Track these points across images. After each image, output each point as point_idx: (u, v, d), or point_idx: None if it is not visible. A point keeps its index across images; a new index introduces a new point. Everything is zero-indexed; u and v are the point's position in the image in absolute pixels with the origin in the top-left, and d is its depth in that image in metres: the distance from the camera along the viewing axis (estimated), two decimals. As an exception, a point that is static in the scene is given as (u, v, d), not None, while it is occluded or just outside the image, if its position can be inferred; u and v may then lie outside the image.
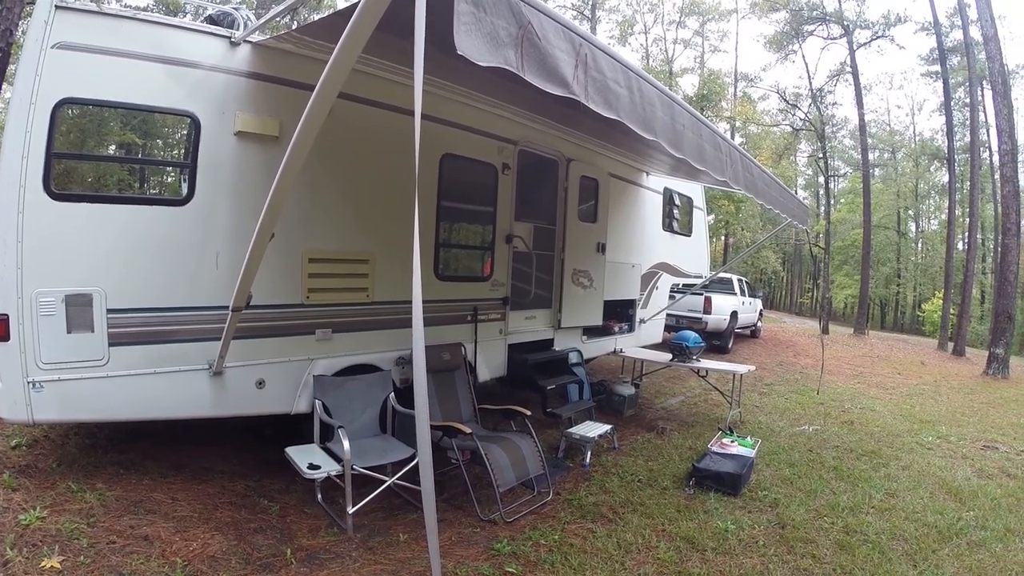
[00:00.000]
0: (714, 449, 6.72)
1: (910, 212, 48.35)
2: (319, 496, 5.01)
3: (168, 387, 4.71)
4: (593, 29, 35.75)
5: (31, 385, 4.27)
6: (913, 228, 49.92)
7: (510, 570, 4.17)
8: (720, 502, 5.62)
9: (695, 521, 5.18)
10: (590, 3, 35.61)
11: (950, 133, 27.59)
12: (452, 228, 6.82)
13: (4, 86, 4.81)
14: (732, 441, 7.02)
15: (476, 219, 7.12)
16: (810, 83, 32.75)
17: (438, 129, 6.18)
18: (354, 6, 2.49)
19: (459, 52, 2.30)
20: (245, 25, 4.92)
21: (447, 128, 6.29)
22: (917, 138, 47.67)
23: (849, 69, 28.88)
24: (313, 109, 2.92)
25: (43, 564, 3.60)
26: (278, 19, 4.87)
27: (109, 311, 4.46)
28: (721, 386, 9.80)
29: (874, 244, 36.16)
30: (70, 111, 4.45)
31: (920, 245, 49.71)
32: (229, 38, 4.80)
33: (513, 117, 6.95)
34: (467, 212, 7.06)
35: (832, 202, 44.29)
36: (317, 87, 2.82)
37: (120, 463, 5.14)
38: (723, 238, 37.96)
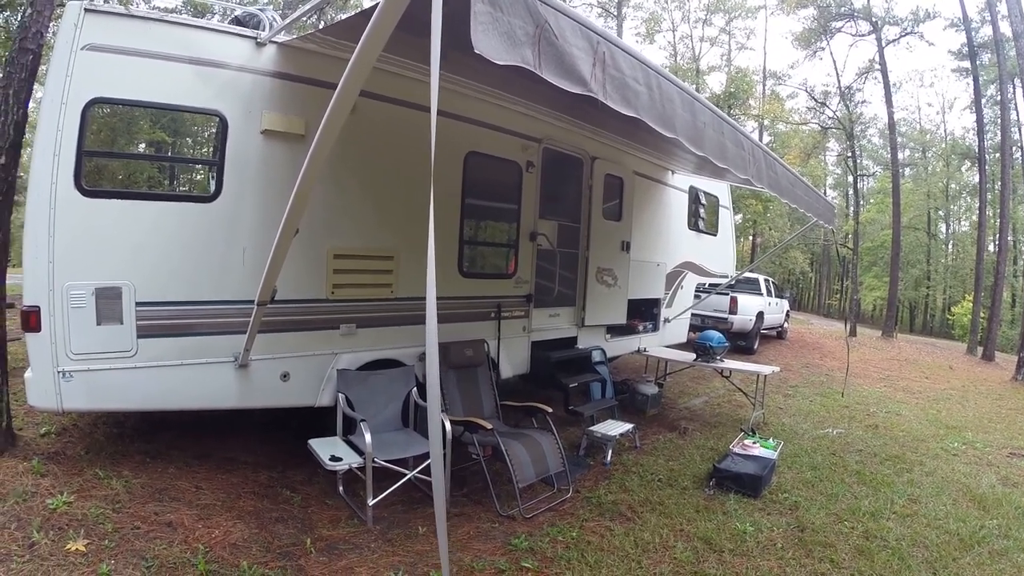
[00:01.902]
0: (736, 450, 6.70)
1: (940, 213, 47.61)
2: (340, 488, 5.08)
3: (194, 379, 4.82)
4: (619, 26, 35.60)
5: (61, 375, 4.40)
6: (943, 229, 49.16)
7: (526, 565, 4.20)
8: (740, 503, 5.59)
9: (714, 522, 5.17)
10: (616, 0, 35.44)
11: (980, 132, 27.07)
12: (476, 225, 6.88)
13: (36, 86, 4.92)
14: (754, 443, 7.00)
15: (500, 216, 7.16)
16: (838, 81, 32.39)
17: (463, 127, 6.24)
18: (375, 7, 2.54)
19: (477, 51, 2.33)
20: (271, 26, 5.02)
21: (472, 126, 6.34)
22: (948, 137, 46.96)
23: (878, 66, 28.46)
24: (335, 107, 2.98)
25: (69, 547, 3.70)
26: (304, 19, 4.93)
27: (138, 304, 4.57)
28: (745, 387, 9.76)
29: (903, 245, 35.77)
30: (100, 110, 4.56)
31: (951, 247, 48.94)
32: (255, 39, 4.89)
33: (537, 115, 6.99)
34: (491, 209, 7.11)
35: (861, 202, 43.84)
36: (339, 85, 2.87)
37: (146, 452, 5.25)
38: (751, 238, 37.73)
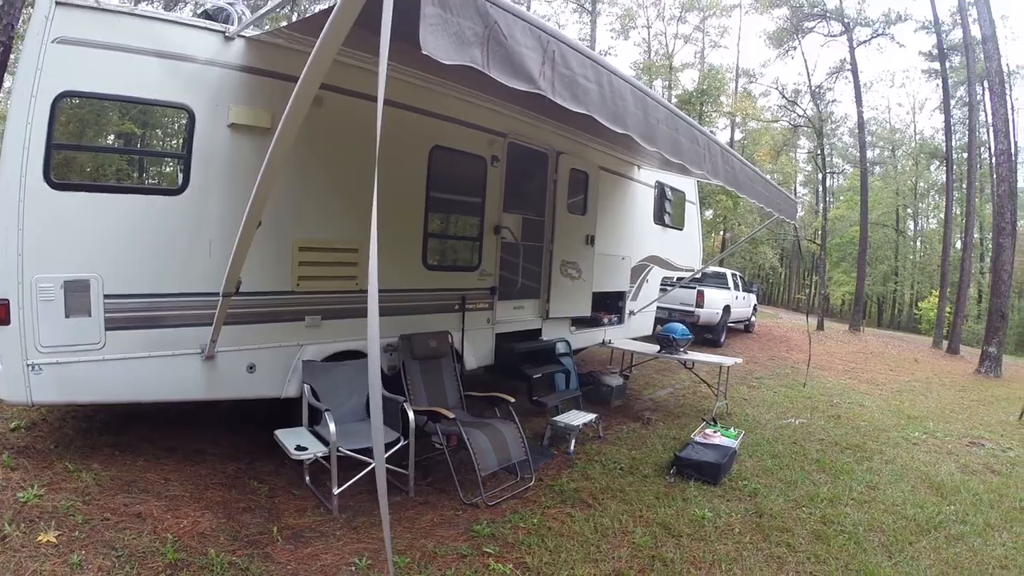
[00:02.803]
0: (697, 439, 6.84)
1: (909, 210, 48.30)
2: (307, 478, 5.14)
3: (162, 370, 4.85)
4: (593, 22, 35.76)
5: (30, 368, 4.41)
6: (912, 226, 49.87)
7: (488, 550, 4.31)
8: (700, 491, 5.72)
9: (673, 508, 5.29)
10: (589, -4, 35.64)
11: (948, 132, 27.61)
12: (441, 219, 6.94)
13: (6, 78, 4.96)
14: (715, 432, 7.15)
15: (465, 210, 7.24)
16: (809, 80, 32.81)
17: (428, 122, 6.31)
18: (334, 6, 2.65)
19: (424, 52, 2.43)
20: (240, 20, 5.05)
21: (437, 121, 6.41)
22: (917, 136, 47.66)
23: (849, 67, 28.88)
24: (296, 101, 3.07)
25: (40, 538, 3.75)
26: (275, 12, 4.99)
27: (106, 296, 4.60)
28: (710, 379, 9.92)
29: (872, 242, 36.26)
30: (70, 103, 4.59)
31: (918, 243, 49.67)
32: (224, 33, 4.92)
33: (503, 110, 7.05)
34: (456, 203, 7.18)
35: (831, 199, 44.37)
36: (300, 80, 2.97)
37: (115, 445, 5.28)
38: (721, 233, 38.05)
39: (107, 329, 4.63)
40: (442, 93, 6.33)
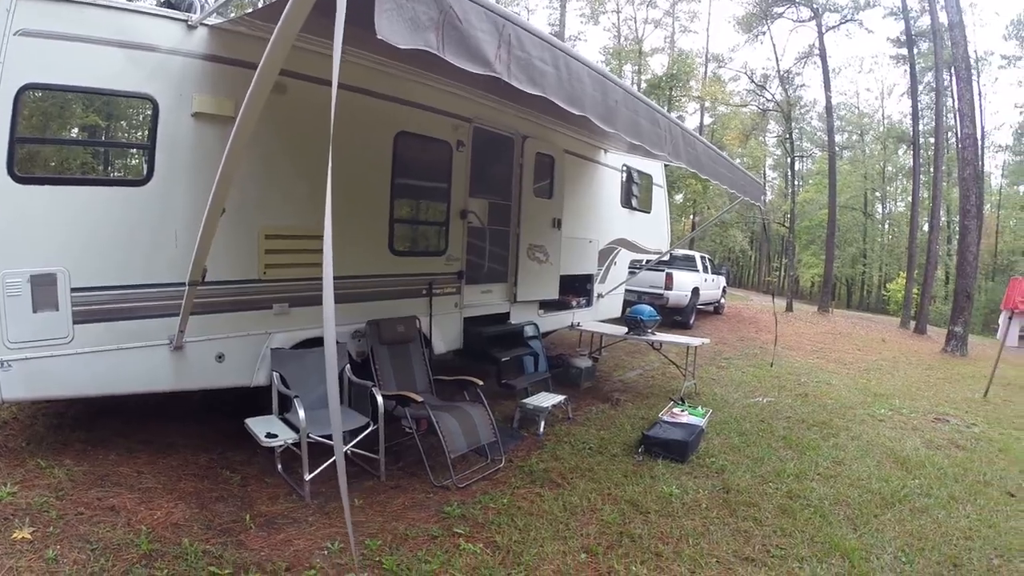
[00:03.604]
0: (664, 418, 6.98)
1: (877, 194, 48.81)
2: (279, 466, 5.17)
3: (131, 362, 4.85)
4: (563, 7, 35.73)
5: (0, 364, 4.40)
6: (880, 209, 50.42)
7: (458, 531, 4.38)
8: (667, 468, 5.83)
9: (641, 486, 5.39)
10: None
11: (915, 117, 27.98)
12: (407, 204, 6.96)
13: None
14: (683, 411, 7.29)
15: (431, 195, 7.26)
16: (778, 65, 33.03)
17: (392, 108, 6.32)
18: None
19: (379, 37, 2.49)
20: (202, 8, 5.04)
21: (401, 106, 6.43)
22: (885, 121, 48.18)
23: (817, 52, 29.09)
24: (256, 88, 3.11)
25: (14, 535, 3.77)
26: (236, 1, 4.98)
27: (73, 290, 4.58)
28: (679, 360, 10.02)
29: (841, 225, 36.67)
30: (33, 96, 4.56)
31: (887, 226, 50.28)
32: (186, 21, 4.89)
33: (468, 95, 7.06)
34: (422, 188, 7.20)
35: (800, 183, 44.75)
36: (258, 67, 3.01)
37: (87, 440, 5.29)
38: (691, 217, 38.32)
39: (75, 323, 4.61)
40: (406, 79, 6.33)
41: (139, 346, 4.88)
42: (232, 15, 5.19)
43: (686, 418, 7.00)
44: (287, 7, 2.73)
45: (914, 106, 28.00)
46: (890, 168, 47.34)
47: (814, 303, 30.56)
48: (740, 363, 12.32)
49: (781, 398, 9.31)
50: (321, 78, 5.38)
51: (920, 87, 28.44)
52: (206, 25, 4.95)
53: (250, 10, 5.20)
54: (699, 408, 7.54)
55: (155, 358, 4.95)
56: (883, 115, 49.63)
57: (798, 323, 20.89)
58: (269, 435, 4.73)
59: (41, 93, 4.67)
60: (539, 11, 45.58)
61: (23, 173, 4.45)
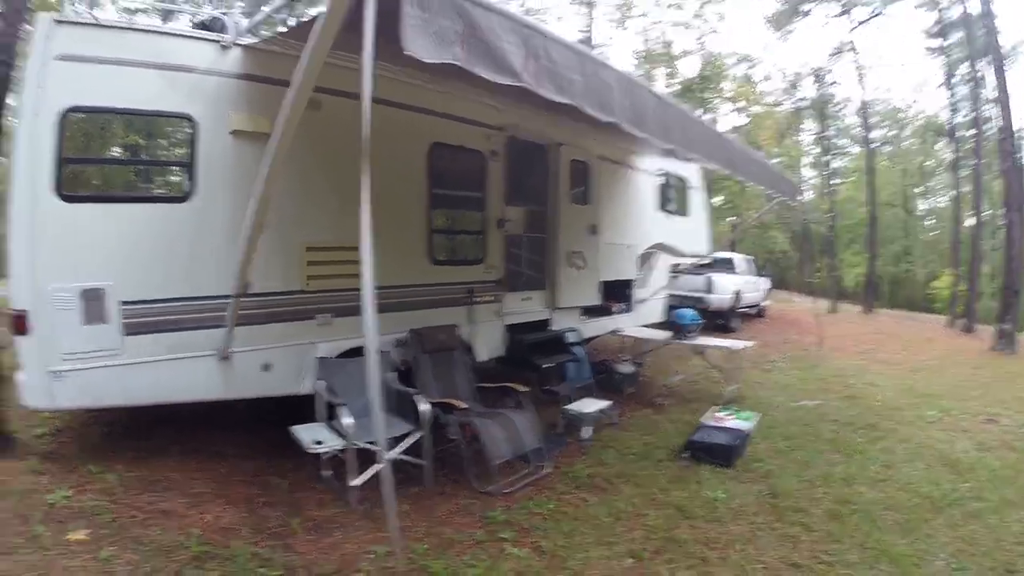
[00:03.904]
0: (709, 423, 6.89)
1: (918, 189, 47.84)
2: (326, 472, 5.23)
3: (180, 372, 5.00)
4: (590, 13, 35.65)
5: (52, 375, 4.56)
6: (921, 205, 49.40)
7: (503, 536, 4.41)
8: (713, 473, 5.76)
9: (687, 491, 5.34)
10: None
11: (953, 109, 27.18)
12: (444, 214, 7.08)
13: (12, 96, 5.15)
14: (728, 415, 7.20)
15: (467, 205, 7.37)
16: (810, 62, 32.57)
17: (427, 120, 6.42)
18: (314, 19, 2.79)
19: (406, 52, 2.55)
20: (234, 29, 5.18)
21: (435, 118, 6.52)
22: (922, 114, 47.13)
23: (849, 48, 28.66)
24: (290, 106, 3.19)
25: (70, 537, 3.91)
26: (272, 18, 5.11)
27: (121, 303, 4.75)
28: (724, 364, 9.82)
29: (882, 222, 35.90)
30: (75, 118, 4.71)
31: (931, 222, 49.22)
32: (219, 42, 5.05)
33: (500, 105, 7.11)
34: (459, 198, 7.31)
35: (840, 180, 43.94)
36: (292, 86, 3.08)
37: (139, 447, 5.42)
38: (732, 218, 37.87)
39: (124, 334, 4.78)
40: (439, 91, 6.40)
41: (187, 356, 5.02)
42: (265, 35, 5.31)
43: (731, 422, 6.92)
44: (317, 25, 2.80)
45: (951, 98, 27.20)
46: (930, 162, 46.28)
47: (858, 303, 30.00)
48: (784, 366, 12.11)
49: (827, 401, 9.11)
50: (355, 93, 5.40)
51: (955, 78, 27.65)
52: (240, 45, 5.10)
53: (282, 29, 5.31)
54: (746, 412, 7.44)
55: (203, 368, 5.09)
56: (919, 109, 48.59)
57: (843, 324, 20.52)
58: (316, 442, 4.80)
59: (84, 115, 4.82)
60: (568, 18, 45.57)
61: (70, 192, 4.64)
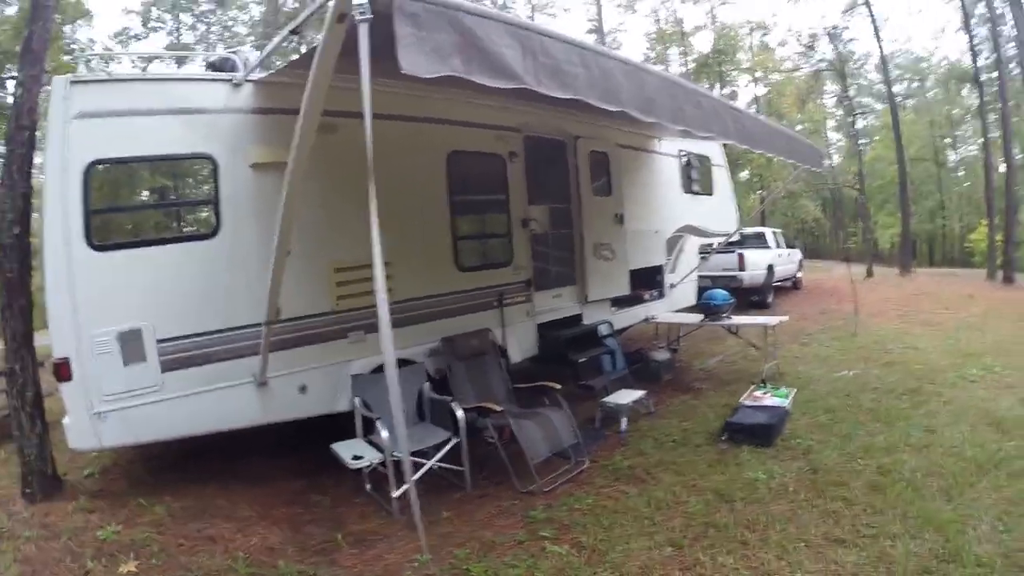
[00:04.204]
0: (746, 403, 6.89)
1: (947, 140, 46.67)
2: (367, 486, 5.36)
3: (219, 402, 5.18)
4: (597, 1, 35.61)
5: (96, 416, 4.77)
6: (952, 156, 48.16)
7: (544, 534, 4.46)
8: (752, 454, 5.73)
9: (726, 474, 5.33)
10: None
11: (974, 53, 26.29)
12: (467, 220, 7.14)
13: (36, 154, 5.44)
14: (765, 393, 7.19)
15: (490, 209, 7.43)
16: (823, 22, 31.94)
17: (441, 129, 6.51)
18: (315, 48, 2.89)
19: (404, 71, 2.63)
20: (244, 66, 5.33)
21: (450, 127, 6.61)
22: (944, 62, 45.87)
23: (862, 1, 28.10)
24: (301, 133, 3.33)
25: (121, 570, 4.09)
26: (280, 48, 5.24)
27: (158, 341, 4.94)
28: (759, 342, 9.71)
29: (912, 178, 35.15)
30: (99, 170, 4.91)
31: (962, 173, 48.04)
32: (231, 81, 5.20)
33: (514, 106, 7.14)
34: (480, 203, 7.38)
35: (868, 140, 43.10)
36: (300, 114, 3.20)
37: (184, 478, 5.62)
38: (759, 192, 37.48)
39: (163, 371, 4.97)
40: (451, 100, 6.46)
41: (225, 386, 5.20)
42: (275, 67, 5.44)
43: (769, 400, 6.91)
44: (316, 57, 2.90)
45: (970, 40, 26.34)
46: (956, 111, 45.02)
47: (895, 265, 29.51)
48: (823, 337, 11.93)
49: (868, 369, 8.99)
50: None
51: (973, 20, 26.85)
52: (250, 81, 5.24)
53: (284, 63, 5.45)
54: (782, 389, 7.40)
55: (241, 396, 5.27)
56: (940, 56, 47.21)
57: (880, 288, 20.17)
58: (355, 457, 4.93)
59: (107, 166, 5.01)
60: (576, 7, 45.38)
61: (100, 241, 4.85)
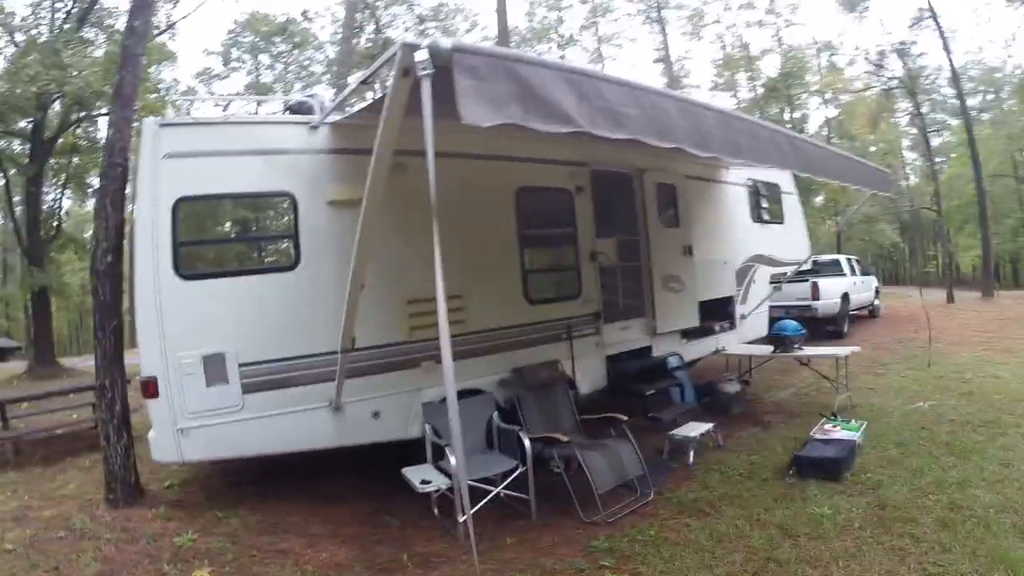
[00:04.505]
0: (816, 436, 6.77)
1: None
2: (435, 510, 5.51)
3: (296, 424, 5.46)
4: (663, 29, 35.59)
5: (180, 432, 5.14)
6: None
7: (604, 564, 4.53)
8: (820, 489, 5.62)
9: (791, 509, 5.26)
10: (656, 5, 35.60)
11: None
12: (537, 254, 7.30)
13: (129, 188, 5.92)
14: (835, 426, 7.06)
15: (558, 242, 7.57)
16: (890, 38, 31.03)
17: (510, 166, 6.70)
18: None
19: (464, 122, 2.81)
20: (320, 109, 5.65)
21: (518, 164, 6.78)
22: (1018, 71, 43.77)
23: (928, 15, 27.40)
24: (374, 174, 3.63)
25: (195, 574, 4.39)
26: (355, 96, 5.55)
27: (240, 365, 5.27)
28: (832, 373, 9.41)
29: (992, 195, 33.78)
30: (187, 205, 5.28)
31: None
32: (308, 123, 5.52)
33: (580, 141, 7.24)
34: (549, 237, 7.55)
35: (944, 159, 41.53)
36: (373, 156, 3.45)
37: (260, 494, 5.92)
38: (834, 217, 36.64)
39: (244, 393, 5.29)
40: (518, 138, 6.58)
41: (302, 409, 5.48)
42: (347, 111, 5.73)
43: (839, 434, 6.76)
44: (384, 107, 3.12)
45: None
46: None
47: (977, 289, 28.44)
48: (899, 367, 11.63)
49: (944, 400, 8.72)
50: (438, 152, 5.79)
51: None
52: (327, 124, 5.53)
53: (359, 99, 5.73)
54: (852, 422, 7.24)
55: (317, 419, 5.53)
56: (1012, 65, 44.91)
57: (961, 314, 19.54)
58: (423, 482, 5.10)
59: (194, 202, 5.38)
60: (642, 38, 45.38)
61: (188, 271, 5.25)
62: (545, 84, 3.16)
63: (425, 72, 2.90)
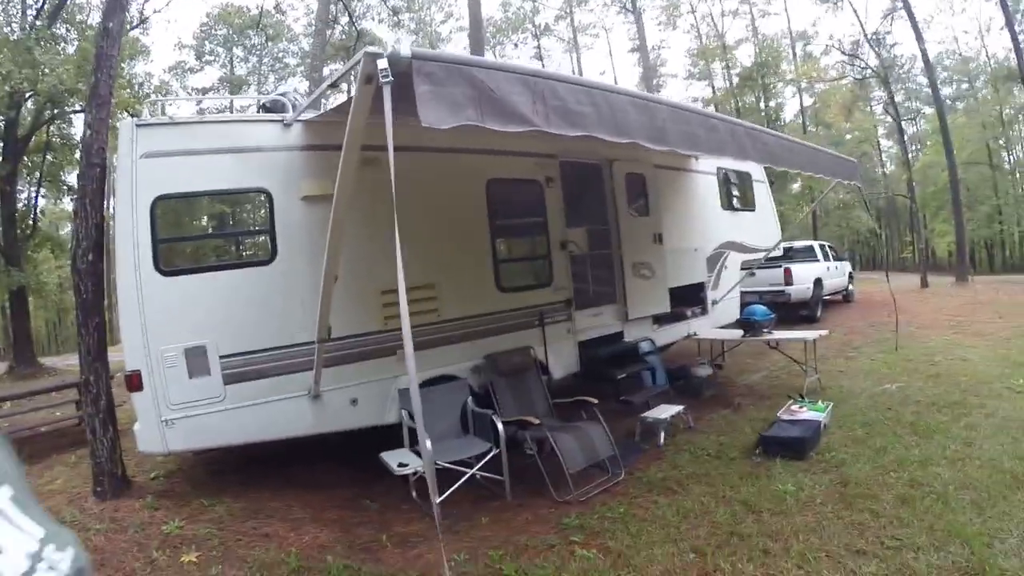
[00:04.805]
0: (783, 417, 6.95)
1: (1000, 142, 44.68)
2: (413, 493, 5.71)
3: (277, 413, 5.61)
4: (638, 20, 35.74)
5: (164, 423, 5.28)
6: (1007, 158, 46.10)
7: (574, 539, 4.72)
8: (785, 467, 5.78)
9: (756, 486, 5.42)
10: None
11: (1018, 49, 25.24)
12: (508, 244, 7.48)
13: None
14: (802, 407, 7.23)
15: (529, 232, 7.75)
16: (863, 28, 31.26)
17: (480, 159, 6.83)
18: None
19: (424, 124, 3.00)
20: (293, 107, 5.81)
21: (488, 156, 6.91)
22: (991, 60, 44.11)
23: (901, 5, 27.56)
24: (343, 170, 3.82)
25: (183, 559, 4.55)
26: (326, 94, 5.69)
27: (221, 357, 5.41)
28: (801, 356, 9.56)
29: (967, 182, 34.16)
30: (165, 204, 5.41)
31: (1018, 175, 46.21)
32: (282, 121, 5.66)
33: (547, 134, 7.37)
34: (519, 227, 7.72)
35: (919, 147, 41.98)
36: (342, 152, 3.69)
37: (243, 482, 6.06)
38: (811, 204, 37.01)
39: (226, 383, 5.44)
40: (488, 131, 6.75)
41: (283, 398, 5.64)
42: (319, 108, 5.87)
43: (805, 414, 6.93)
44: (351, 107, 3.32)
45: (1013, 37, 25.45)
46: (1008, 111, 43.14)
47: (953, 274, 28.81)
48: (870, 351, 11.81)
49: (912, 382, 8.89)
50: (407, 146, 5.89)
51: (1018, 16, 25.98)
52: (300, 121, 5.69)
53: (329, 109, 5.89)
54: (820, 403, 7.42)
55: (297, 407, 5.70)
56: (986, 54, 44.98)
57: (934, 298, 19.78)
58: (400, 464, 5.29)
59: (172, 200, 5.50)
60: (617, 27, 45.56)
61: (167, 267, 5.37)
62: (500, 86, 3.34)
63: (386, 79, 3.10)
